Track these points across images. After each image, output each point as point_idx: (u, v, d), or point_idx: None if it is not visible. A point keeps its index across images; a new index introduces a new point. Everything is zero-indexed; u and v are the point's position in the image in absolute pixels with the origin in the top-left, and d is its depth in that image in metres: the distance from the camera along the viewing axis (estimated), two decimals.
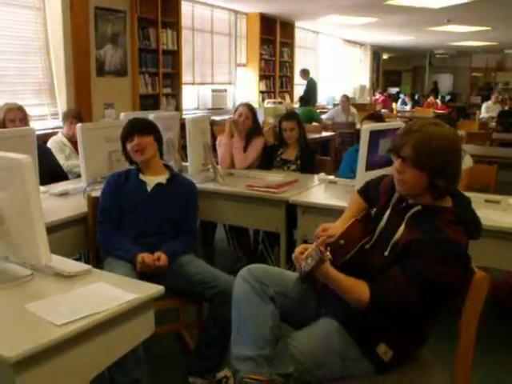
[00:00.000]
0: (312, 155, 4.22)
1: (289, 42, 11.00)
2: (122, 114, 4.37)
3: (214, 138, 4.29)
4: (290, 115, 4.25)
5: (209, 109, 8.62)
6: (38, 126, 5.05)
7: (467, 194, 1.91)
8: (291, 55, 11.18)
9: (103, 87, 6.44)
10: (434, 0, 7.99)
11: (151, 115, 3.45)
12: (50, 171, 3.54)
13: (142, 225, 2.64)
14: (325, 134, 7.95)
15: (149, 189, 2.72)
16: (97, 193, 2.85)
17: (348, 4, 8.59)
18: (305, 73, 10.67)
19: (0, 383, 1.42)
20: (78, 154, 3.44)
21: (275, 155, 4.12)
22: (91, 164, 3.22)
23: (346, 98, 9.35)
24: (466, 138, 7.26)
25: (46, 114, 5.93)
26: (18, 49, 5.60)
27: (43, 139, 4.19)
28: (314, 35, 12.87)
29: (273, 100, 10.08)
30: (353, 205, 2.21)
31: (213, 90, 8.85)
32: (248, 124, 4.10)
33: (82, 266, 1.93)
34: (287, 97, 11.16)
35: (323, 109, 11.21)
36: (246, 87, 10.09)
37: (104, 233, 2.64)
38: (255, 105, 7.13)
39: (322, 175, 3.73)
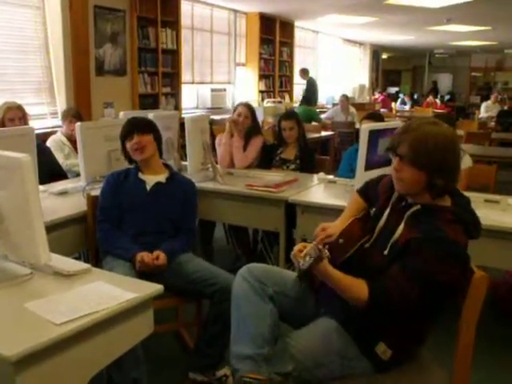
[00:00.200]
0: (311, 155, 4.23)
1: (288, 42, 11.00)
2: (122, 113, 4.37)
3: (213, 137, 4.29)
4: (290, 115, 4.25)
5: (208, 108, 8.61)
6: (37, 125, 5.06)
7: (467, 193, 1.91)
8: (291, 55, 11.18)
9: (102, 86, 6.43)
10: None
11: (150, 114, 3.46)
12: (50, 170, 3.54)
13: (141, 224, 2.65)
14: (324, 133, 7.95)
15: (148, 188, 2.72)
16: (96, 192, 2.85)
17: (347, 3, 8.59)
18: (304, 72, 10.67)
19: (1, 382, 1.42)
20: (77, 152, 3.44)
21: (274, 154, 4.12)
22: (90, 163, 3.22)
23: (345, 98, 9.36)
24: (466, 137, 7.27)
25: (46, 113, 5.93)
26: (17, 48, 5.59)
27: (42, 138, 4.19)
28: (313, 35, 12.87)
29: (272, 99, 10.09)
30: (352, 204, 2.21)
31: (212, 90, 8.85)
32: (247, 123, 4.10)
33: (81, 265, 1.93)
34: (286, 96, 11.16)
35: (322, 108, 11.21)
36: (245, 87, 10.08)
37: (103, 232, 2.64)
38: (254, 104, 7.12)
39: (322, 175, 3.74)
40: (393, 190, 1.90)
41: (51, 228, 2.45)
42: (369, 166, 3.00)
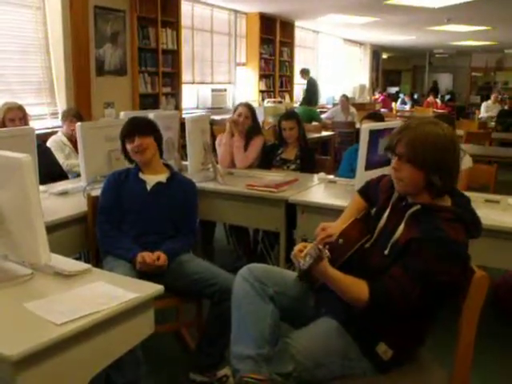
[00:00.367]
0: (312, 155, 4.23)
1: (288, 42, 11.00)
2: (122, 114, 4.37)
3: (213, 137, 4.29)
4: (290, 115, 4.25)
5: (208, 108, 8.61)
6: (37, 125, 5.06)
7: (467, 193, 1.91)
8: (291, 55, 11.18)
9: (103, 86, 6.43)
10: None
11: (151, 114, 3.46)
12: (50, 171, 3.54)
13: (142, 224, 2.64)
14: (324, 133, 7.95)
15: (148, 188, 2.72)
16: (96, 192, 2.85)
17: (347, 3, 8.59)
18: (304, 72, 10.67)
19: (1, 382, 1.42)
20: (77, 153, 3.44)
21: (275, 155, 4.12)
22: (91, 163, 3.22)
23: (345, 98, 9.36)
24: (466, 137, 7.27)
25: (46, 114, 5.93)
26: (17, 48, 5.60)
27: (43, 139, 4.19)
28: (313, 35, 12.87)
29: (272, 99, 10.09)
30: (353, 204, 2.21)
31: (212, 90, 8.85)
32: (248, 123, 4.10)
33: (81, 266, 1.93)
34: (287, 96, 11.16)
35: (323, 108, 11.20)
36: (245, 87, 10.08)
37: (104, 232, 2.64)
38: (255, 104, 7.13)
39: (322, 175, 3.73)
40: (393, 189, 1.90)
41: (52, 228, 2.44)
42: (369, 166, 3.00)
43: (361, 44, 16.14)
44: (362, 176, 2.85)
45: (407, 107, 14.95)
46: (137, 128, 2.72)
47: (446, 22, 10.18)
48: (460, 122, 9.52)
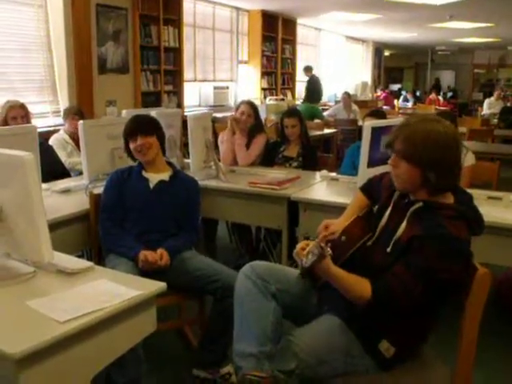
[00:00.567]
0: (314, 152, 4.22)
1: (290, 39, 10.98)
2: (124, 112, 4.37)
3: (215, 135, 4.29)
4: (292, 112, 4.24)
5: (210, 106, 8.61)
6: (39, 123, 5.06)
7: (469, 190, 1.90)
8: (293, 52, 11.16)
9: (105, 84, 6.44)
10: None
11: (153, 112, 3.45)
12: (52, 169, 3.54)
13: (145, 222, 2.65)
14: (326, 130, 7.94)
15: (151, 186, 2.72)
16: (99, 190, 2.85)
17: (350, 1, 8.57)
18: (307, 70, 10.67)
19: (4, 380, 1.42)
20: (79, 151, 3.44)
21: (277, 152, 4.12)
22: (93, 161, 3.22)
23: (347, 95, 9.34)
24: (468, 134, 7.25)
25: (48, 112, 5.93)
26: (19, 46, 5.60)
27: (45, 137, 4.19)
28: (315, 32, 12.85)
29: (275, 97, 10.08)
30: (355, 202, 2.21)
31: (214, 87, 8.85)
32: (250, 122, 4.10)
33: (84, 263, 1.94)
34: (289, 94, 11.15)
35: (325, 106, 11.19)
36: (247, 84, 10.08)
37: (106, 230, 2.64)
38: (257, 102, 7.13)
39: (324, 172, 3.73)
40: (394, 187, 1.89)
41: (54, 226, 2.45)
42: (371, 164, 3.00)
43: (363, 41, 16.12)
44: (365, 173, 2.85)
45: (409, 104, 14.93)
46: (139, 127, 2.72)
47: (448, 18, 10.16)
48: (462, 119, 9.50)
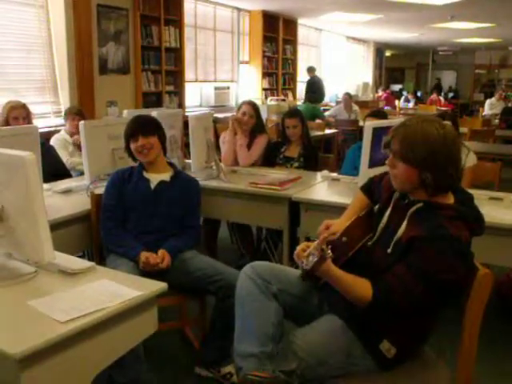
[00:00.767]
0: (315, 152, 4.22)
1: (291, 40, 10.99)
2: (125, 112, 4.37)
3: (216, 135, 4.29)
4: (293, 112, 4.23)
5: (211, 106, 8.62)
6: (41, 123, 5.07)
7: (470, 191, 1.90)
8: (294, 52, 11.17)
9: (106, 85, 6.44)
10: None
11: (154, 113, 3.45)
12: (53, 169, 3.54)
13: (146, 222, 2.65)
14: (328, 131, 7.94)
15: (152, 186, 2.72)
16: (100, 190, 2.86)
17: (351, 1, 8.57)
18: (310, 70, 10.68)
19: (5, 379, 1.42)
20: (80, 151, 3.44)
21: (278, 152, 4.12)
22: (94, 161, 3.22)
23: (348, 96, 9.34)
24: (469, 134, 7.25)
25: (49, 112, 5.94)
26: (21, 47, 5.61)
27: (46, 137, 4.20)
28: (316, 32, 12.86)
29: (275, 97, 10.08)
30: (356, 202, 2.21)
31: (215, 88, 8.85)
32: (252, 122, 4.09)
33: (85, 263, 1.94)
34: (290, 94, 11.15)
35: (326, 106, 11.19)
36: (248, 84, 10.08)
37: (107, 230, 2.64)
38: (258, 102, 7.11)
39: (325, 172, 3.73)
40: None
41: (55, 226, 2.45)
42: (372, 164, 3.00)
43: (364, 42, 16.11)
44: (366, 174, 2.85)
45: (410, 105, 14.92)
46: (141, 127, 2.72)
47: (449, 19, 10.15)
48: (464, 120, 9.50)
